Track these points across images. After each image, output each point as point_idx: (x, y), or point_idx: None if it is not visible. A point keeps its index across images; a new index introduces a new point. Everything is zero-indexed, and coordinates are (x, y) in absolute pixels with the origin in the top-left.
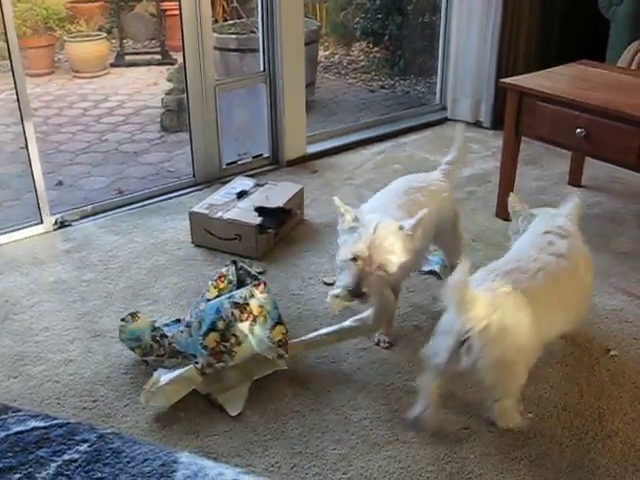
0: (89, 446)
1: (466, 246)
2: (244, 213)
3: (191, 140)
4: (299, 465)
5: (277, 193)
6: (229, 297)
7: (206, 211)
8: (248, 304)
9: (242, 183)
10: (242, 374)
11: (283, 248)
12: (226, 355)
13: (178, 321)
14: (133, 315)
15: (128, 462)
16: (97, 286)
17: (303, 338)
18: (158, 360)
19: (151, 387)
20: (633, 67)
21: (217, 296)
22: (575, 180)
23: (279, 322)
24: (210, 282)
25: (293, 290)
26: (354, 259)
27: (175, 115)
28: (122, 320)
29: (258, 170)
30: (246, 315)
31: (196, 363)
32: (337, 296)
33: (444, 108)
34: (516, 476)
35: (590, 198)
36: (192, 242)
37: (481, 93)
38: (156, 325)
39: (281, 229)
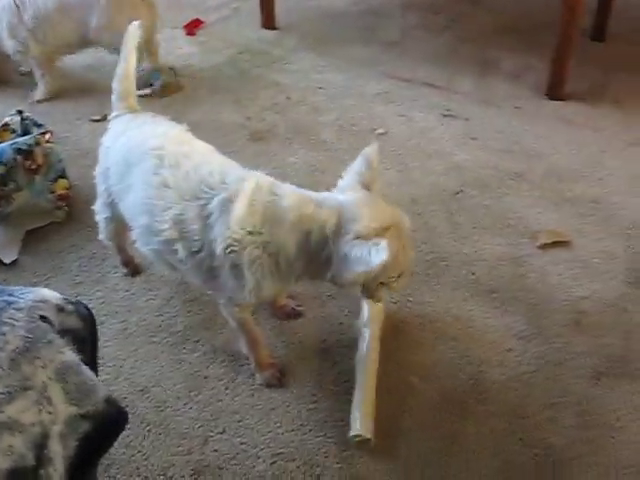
0: None
1: (233, 59)
2: None
3: None
4: (82, 293)
5: None
6: (12, 143)
7: None
8: (32, 152)
9: None
10: (16, 224)
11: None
12: (3, 200)
13: None
14: None
15: None
16: None
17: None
18: None
19: None
20: None
21: None
22: None
23: (62, 176)
24: None
25: (60, 133)
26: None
27: None
28: None
29: None
30: (29, 162)
31: None
32: None
33: None
34: None
35: None
36: None
37: None
38: None
39: None
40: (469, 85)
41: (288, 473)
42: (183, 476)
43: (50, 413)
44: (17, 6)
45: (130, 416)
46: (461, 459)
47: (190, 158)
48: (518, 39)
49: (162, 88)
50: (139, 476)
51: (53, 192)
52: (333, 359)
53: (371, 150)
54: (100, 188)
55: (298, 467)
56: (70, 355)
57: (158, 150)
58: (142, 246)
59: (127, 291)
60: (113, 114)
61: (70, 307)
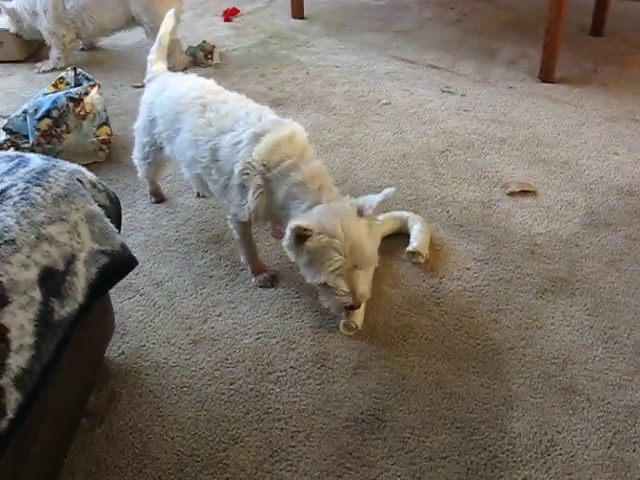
0: None
1: (263, 42)
2: None
3: None
4: None
5: None
6: (66, 92)
7: None
8: (82, 100)
9: None
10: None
11: None
12: (55, 139)
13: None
14: None
15: None
16: None
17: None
18: None
19: None
20: None
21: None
22: None
23: (105, 123)
24: (50, 84)
25: (105, 95)
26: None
27: None
28: None
29: None
30: (79, 109)
31: (26, 142)
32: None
33: None
34: None
35: None
36: None
37: None
38: None
39: None
40: (470, 68)
41: (269, 346)
42: (183, 344)
43: (79, 243)
44: None
45: (144, 301)
46: (415, 343)
47: (227, 103)
48: (520, 32)
49: (204, 58)
50: (148, 342)
51: (97, 136)
52: None
53: (389, 191)
54: (142, 140)
55: (277, 342)
56: (97, 208)
57: (200, 99)
58: (188, 173)
59: (152, 213)
60: (148, 77)
61: (101, 186)
